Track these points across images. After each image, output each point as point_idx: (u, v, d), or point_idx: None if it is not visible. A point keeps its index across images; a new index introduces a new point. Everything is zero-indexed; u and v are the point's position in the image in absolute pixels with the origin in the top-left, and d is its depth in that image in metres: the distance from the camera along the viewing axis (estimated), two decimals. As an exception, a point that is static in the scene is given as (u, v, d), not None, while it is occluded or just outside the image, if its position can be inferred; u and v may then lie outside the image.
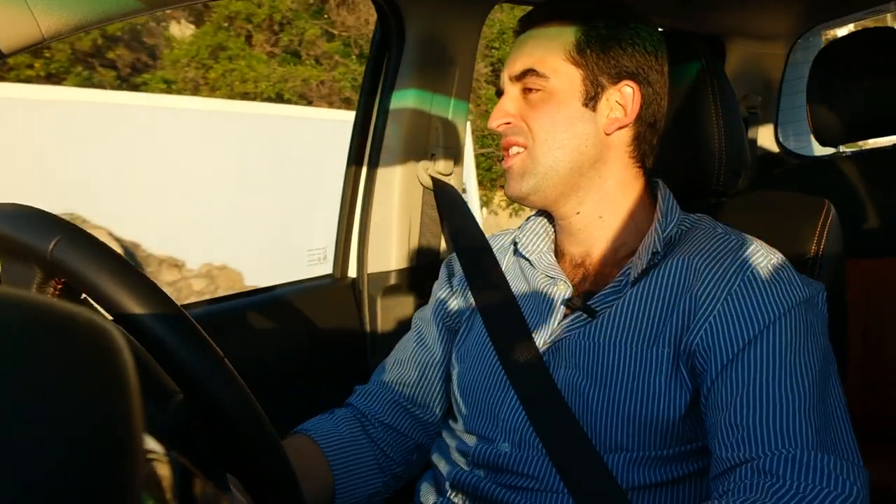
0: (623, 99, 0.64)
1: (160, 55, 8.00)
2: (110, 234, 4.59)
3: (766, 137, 1.44)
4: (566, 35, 0.64)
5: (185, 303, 0.94)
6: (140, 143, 4.78)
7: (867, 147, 1.35)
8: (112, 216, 4.68)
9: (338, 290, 1.08)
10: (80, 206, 4.58)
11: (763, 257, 0.58)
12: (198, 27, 8.18)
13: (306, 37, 7.86)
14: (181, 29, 8.47)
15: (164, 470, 0.33)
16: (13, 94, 4.70)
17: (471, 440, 0.67)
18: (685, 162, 0.76)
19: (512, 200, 0.69)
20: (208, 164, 4.97)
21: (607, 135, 0.64)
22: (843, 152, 1.24)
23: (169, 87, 7.13)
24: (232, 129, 5.08)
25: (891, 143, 1.23)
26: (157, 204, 4.81)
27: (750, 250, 0.59)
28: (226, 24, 7.78)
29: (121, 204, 4.68)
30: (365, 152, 1.07)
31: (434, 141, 1.05)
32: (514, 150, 0.65)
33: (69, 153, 4.59)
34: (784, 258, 0.60)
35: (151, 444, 0.33)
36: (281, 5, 7.70)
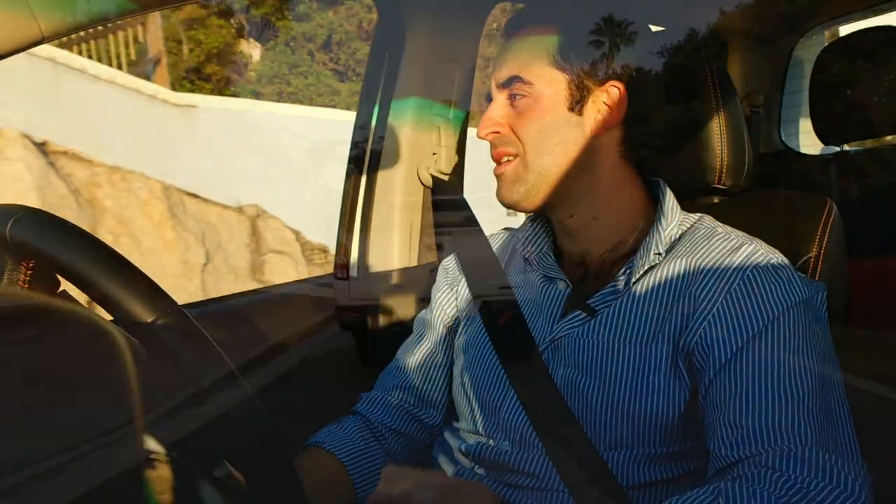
0: (610, 99, 0.63)
1: (241, 70, 9.25)
2: (283, 223, 5.84)
3: (768, 136, 1.44)
4: (550, 40, 0.64)
5: (187, 303, 0.94)
6: (299, 147, 5.95)
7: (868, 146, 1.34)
8: (284, 209, 5.83)
9: (338, 291, 1.08)
10: (261, 200, 5.84)
11: (763, 257, 0.58)
12: (263, 45, 9.40)
13: (358, 56, 8.73)
14: (249, 46, 9.68)
15: (164, 470, 0.33)
16: (213, 105, 6.04)
17: (472, 439, 0.67)
18: (687, 161, 0.76)
19: (504, 207, 0.69)
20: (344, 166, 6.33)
21: (596, 137, 0.64)
22: (846, 151, 1.23)
23: (257, 98, 8.26)
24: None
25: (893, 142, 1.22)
26: (312, 199, 5.80)
27: (750, 250, 0.59)
28: (291, 44, 8.87)
29: (290, 199, 5.85)
30: (366, 153, 1.07)
31: (435, 141, 1.05)
32: (504, 159, 0.65)
33: (250, 156, 5.80)
34: (784, 258, 0.60)
35: (151, 444, 0.34)
36: (339, 28, 8.81)
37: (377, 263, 1.06)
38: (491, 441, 0.64)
